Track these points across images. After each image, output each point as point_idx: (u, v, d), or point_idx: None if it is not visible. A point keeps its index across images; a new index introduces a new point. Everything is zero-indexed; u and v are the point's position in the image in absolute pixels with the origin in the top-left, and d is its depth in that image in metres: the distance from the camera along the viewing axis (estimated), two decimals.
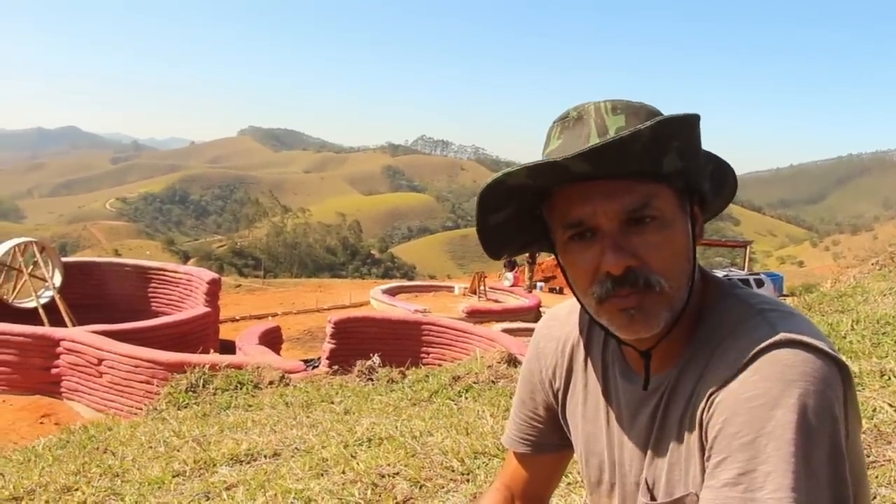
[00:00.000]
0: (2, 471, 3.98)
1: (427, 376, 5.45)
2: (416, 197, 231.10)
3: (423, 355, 12.60)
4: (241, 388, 6.35)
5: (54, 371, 11.04)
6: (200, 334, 13.38)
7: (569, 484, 2.50)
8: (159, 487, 3.20)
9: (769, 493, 0.81)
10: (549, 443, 1.24)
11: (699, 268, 1.00)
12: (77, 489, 3.34)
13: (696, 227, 0.99)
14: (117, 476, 3.51)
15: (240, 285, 30.70)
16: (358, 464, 2.98)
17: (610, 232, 0.92)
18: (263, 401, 5.66)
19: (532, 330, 1.32)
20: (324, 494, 2.69)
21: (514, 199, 0.98)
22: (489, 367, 5.17)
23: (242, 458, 3.48)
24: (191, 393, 6.32)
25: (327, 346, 12.29)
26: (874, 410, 2.81)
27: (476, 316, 18.47)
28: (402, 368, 6.12)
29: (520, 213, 1.01)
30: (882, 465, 2.38)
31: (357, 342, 11.89)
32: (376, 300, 21.92)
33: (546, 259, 26.02)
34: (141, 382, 9.90)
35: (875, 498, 2.17)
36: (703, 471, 0.91)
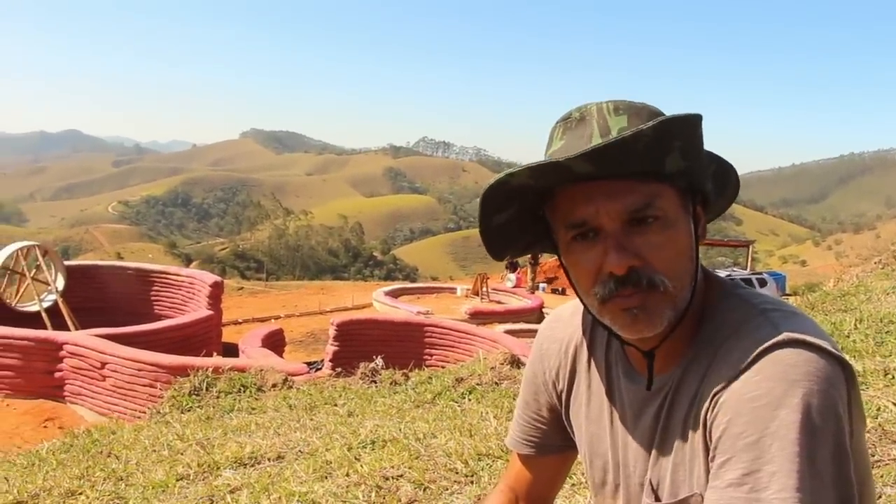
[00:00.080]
0: (6, 475, 3.98)
1: (430, 378, 5.44)
2: (418, 198, 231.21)
3: (426, 357, 12.62)
4: (244, 391, 6.35)
5: (57, 375, 11.07)
6: (203, 337, 13.39)
7: (573, 485, 2.50)
8: (163, 491, 3.20)
9: (774, 494, 0.81)
10: (552, 444, 1.24)
11: (702, 268, 1.00)
12: (81, 493, 3.34)
13: (698, 227, 0.99)
14: (121, 480, 3.50)
15: (242, 288, 30.75)
16: (362, 466, 2.98)
17: (613, 232, 0.92)
18: (267, 403, 5.65)
19: (535, 331, 1.32)
20: (328, 497, 2.69)
21: (517, 199, 0.98)
22: (492, 368, 5.16)
23: (246, 461, 3.48)
24: (194, 396, 6.32)
25: (330, 348, 12.29)
26: (878, 409, 2.81)
27: (479, 317, 18.47)
28: (405, 370, 6.11)
29: (522, 213, 1.01)
30: (887, 465, 2.38)
31: (360, 344, 11.90)
32: (379, 302, 21.91)
33: (548, 260, 26.00)
34: (144, 386, 9.92)
35: (880, 497, 2.17)
36: (708, 471, 0.91)
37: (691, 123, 0.90)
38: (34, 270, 15.30)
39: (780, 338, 0.88)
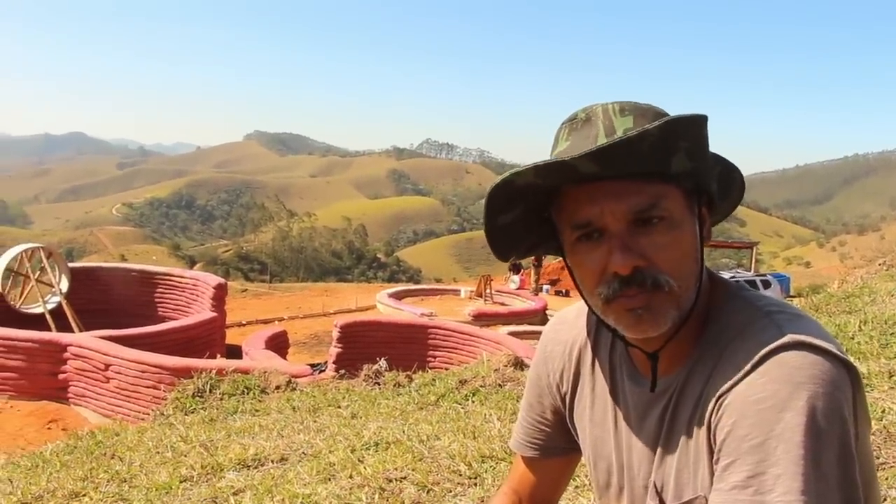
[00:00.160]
0: (10, 476, 3.98)
1: (434, 380, 5.43)
2: (422, 200, 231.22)
3: (429, 359, 12.60)
4: (247, 393, 6.35)
5: (61, 376, 11.08)
6: (207, 339, 13.41)
7: (577, 487, 2.49)
8: (167, 493, 3.21)
9: (779, 496, 0.80)
10: (556, 446, 1.24)
11: (706, 270, 1.00)
12: (85, 495, 3.35)
13: (703, 228, 0.99)
14: (125, 481, 3.51)
15: (246, 290, 30.77)
16: (365, 468, 2.98)
17: (618, 232, 0.92)
18: (270, 405, 5.65)
19: (538, 333, 1.32)
20: (331, 499, 2.68)
21: (522, 199, 0.98)
22: (496, 370, 5.15)
23: (250, 463, 3.48)
24: (198, 398, 6.33)
25: (334, 350, 12.28)
26: (883, 412, 2.80)
27: (482, 319, 18.48)
28: (408, 372, 6.10)
29: (527, 214, 1.01)
30: (892, 467, 2.37)
31: (363, 346, 11.89)
32: (382, 304, 21.93)
33: (552, 262, 26.00)
34: (148, 387, 9.93)
35: (885, 500, 2.16)
36: (712, 473, 0.91)
37: (697, 124, 0.90)
38: (38, 272, 15.33)
39: (784, 340, 0.88)
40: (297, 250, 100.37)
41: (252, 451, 3.61)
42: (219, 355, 12.60)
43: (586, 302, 1.01)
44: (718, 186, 1.03)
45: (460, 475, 2.81)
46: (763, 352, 0.88)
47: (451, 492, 2.68)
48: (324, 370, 10.33)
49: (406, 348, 12.55)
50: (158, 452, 4.06)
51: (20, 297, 15.05)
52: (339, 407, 5.06)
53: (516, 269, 26.20)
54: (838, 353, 0.87)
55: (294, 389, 6.40)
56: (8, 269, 14.83)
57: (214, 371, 6.83)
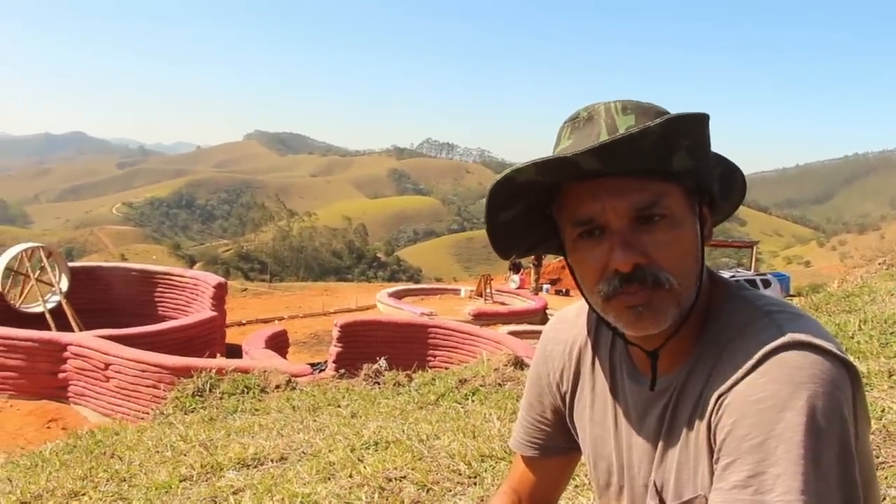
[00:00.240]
0: (9, 476, 3.98)
1: (434, 379, 5.43)
2: (422, 200, 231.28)
3: (429, 358, 12.59)
4: (247, 393, 6.35)
5: (61, 376, 11.08)
6: (207, 338, 13.41)
7: (577, 486, 2.49)
8: (166, 492, 3.21)
9: (779, 496, 0.80)
10: (556, 446, 1.24)
11: (707, 269, 1.00)
12: (84, 494, 3.35)
13: (704, 227, 0.99)
14: (124, 481, 3.51)
15: (246, 289, 30.76)
16: (365, 467, 2.98)
17: (619, 230, 0.92)
18: (270, 405, 5.65)
19: (538, 332, 1.32)
20: (331, 498, 2.68)
21: (524, 196, 0.98)
22: (496, 369, 5.15)
23: (249, 462, 3.48)
24: (197, 397, 6.33)
25: (334, 349, 12.28)
26: (883, 411, 2.79)
27: (482, 318, 18.46)
28: (408, 372, 6.11)
29: (529, 211, 1.01)
30: (891, 466, 2.37)
31: (363, 345, 11.89)
32: (382, 303, 21.92)
33: (552, 262, 25.99)
34: (147, 387, 9.92)
35: (885, 499, 2.16)
36: (712, 472, 0.91)
37: (698, 122, 0.90)
38: (38, 272, 15.32)
39: (784, 340, 0.88)
40: (297, 250, 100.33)
41: (252, 450, 3.61)
42: (219, 355, 12.59)
43: (587, 300, 1.01)
44: (720, 186, 1.03)
45: (460, 474, 2.81)
46: (763, 351, 0.88)
47: (450, 491, 2.67)
48: (324, 369, 10.32)
49: (406, 348, 12.54)
50: (158, 452, 4.06)
51: (20, 296, 15.05)
52: (339, 406, 5.06)
53: (516, 268, 26.18)
54: (838, 352, 0.87)
55: (294, 389, 6.40)
56: (8, 269, 14.83)
57: (214, 370, 6.83)
